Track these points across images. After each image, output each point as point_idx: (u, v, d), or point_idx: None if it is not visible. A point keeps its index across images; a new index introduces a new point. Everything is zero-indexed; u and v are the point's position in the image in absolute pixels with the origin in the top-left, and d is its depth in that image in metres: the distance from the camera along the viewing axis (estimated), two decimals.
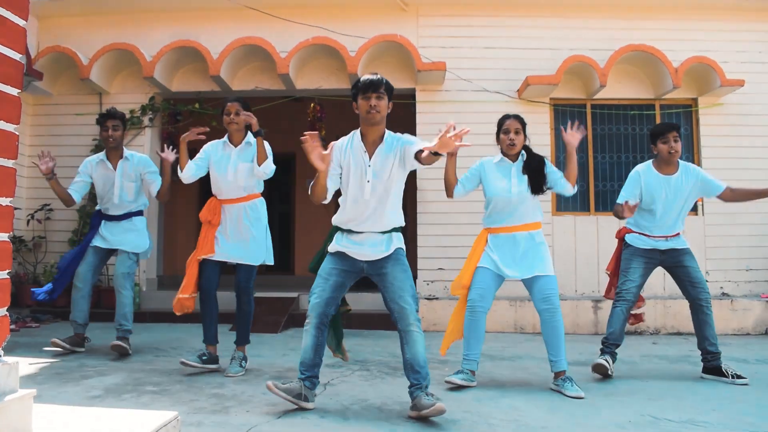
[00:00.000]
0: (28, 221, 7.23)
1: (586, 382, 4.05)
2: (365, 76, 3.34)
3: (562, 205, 7.35)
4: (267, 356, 4.81)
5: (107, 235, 4.94)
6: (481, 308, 3.98)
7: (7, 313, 2.11)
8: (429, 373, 3.23)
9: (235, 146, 4.32)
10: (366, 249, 3.31)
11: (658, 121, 7.37)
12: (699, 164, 7.27)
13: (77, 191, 4.99)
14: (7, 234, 2.15)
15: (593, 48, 7.15)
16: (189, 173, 4.30)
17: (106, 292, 6.76)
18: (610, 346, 4.36)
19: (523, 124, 4.10)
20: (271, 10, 7.17)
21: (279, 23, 7.19)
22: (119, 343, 4.62)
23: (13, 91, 2.26)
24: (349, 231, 3.36)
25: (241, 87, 7.50)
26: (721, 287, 7.13)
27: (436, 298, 6.78)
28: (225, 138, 4.39)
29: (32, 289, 4.89)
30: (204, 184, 4.74)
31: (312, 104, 7.60)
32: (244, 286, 4.29)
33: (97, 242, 4.92)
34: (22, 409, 2.03)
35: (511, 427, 3.01)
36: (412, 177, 7.44)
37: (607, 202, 7.35)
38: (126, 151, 5.03)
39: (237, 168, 4.26)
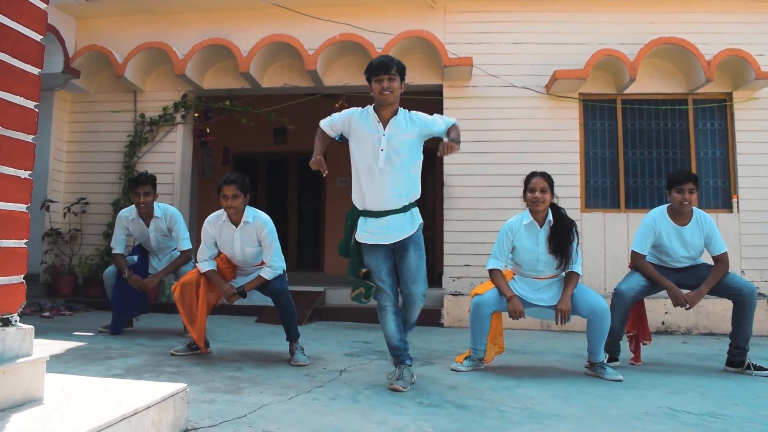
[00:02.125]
0: (65, 214, 7.45)
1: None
2: (377, 59, 3.49)
3: (591, 201, 7.24)
4: (288, 345, 4.86)
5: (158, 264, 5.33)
6: (486, 311, 4.06)
7: (23, 280, 2.20)
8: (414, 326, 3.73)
9: (236, 226, 4.26)
10: (391, 233, 3.47)
11: (690, 116, 7.21)
12: (734, 160, 7.09)
13: (121, 244, 5.23)
14: (26, 205, 2.24)
15: (623, 42, 7.03)
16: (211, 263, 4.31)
17: None
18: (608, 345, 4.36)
19: (550, 182, 4.07)
20: (300, 8, 7.26)
21: (307, 21, 7.27)
22: None
23: (34, 71, 2.34)
24: (371, 213, 3.47)
25: (270, 84, 7.60)
26: (757, 288, 6.91)
27: (462, 294, 6.76)
28: (224, 216, 4.28)
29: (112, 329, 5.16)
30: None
31: (340, 101, 7.65)
32: (281, 289, 4.22)
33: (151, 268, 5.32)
34: (35, 372, 2.11)
35: (523, 414, 2.98)
36: (438, 173, 7.45)
37: (638, 199, 7.21)
38: (156, 209, 5.19)
39: (244, 252, 4.30)
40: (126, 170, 7.46)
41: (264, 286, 4.21)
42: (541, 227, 4.08)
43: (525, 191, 4.15)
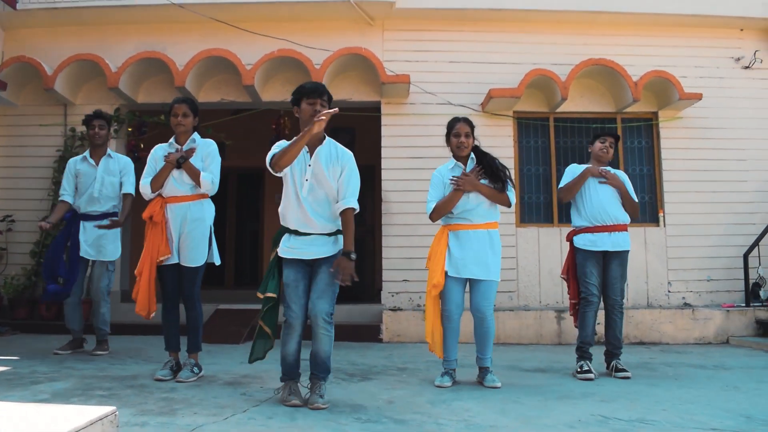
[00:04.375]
0: None
1: (541, 386, 4.13)
2: (311, 83, 3.58)
3: (526, 216, 7.43)
4: (223, 364, 4.78)
5: (85, 246, 5.20)
6: (457, 316, 4.20)
7: None
8: (330, 369, 3.54)
9: (182, 145, 4.32)
10: (313, 249, 3.46)
11: (619, 134, 7.52)
12: (660, 176, 7.43)
13: (70, 195, 5.29)
14: None
15: (556, 62, 7.29)
16: (150, 189, 4.24)
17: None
18: (585, 351, 4.66)
19: (472, 127, 4.26)
20: (238, 22, 7.20)
21: (245, 36, 7.22)
22: (101, 350, 5.18)
23: None
24: (296, 232, 3.47)
25: (207, 99, 7.48)
26: (683, 297, 7.24)
27: (401, 309, 6.78)
28: (171, 139, 4.38)
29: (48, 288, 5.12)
30: None
31: (284, 118, 7.62)
32: (188, 292, 4.20)
33: (82, 253, 5.18)
34: None
35: (460, 426, 3.01)
36: (377, 189, 7.49)
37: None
38: (109, 150, 5.41)
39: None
40: (55, 186, 7.18)
41: (181, 283, 4.21)
42: (465, 166, 4.25)
43: (449, 136, 4.30)
